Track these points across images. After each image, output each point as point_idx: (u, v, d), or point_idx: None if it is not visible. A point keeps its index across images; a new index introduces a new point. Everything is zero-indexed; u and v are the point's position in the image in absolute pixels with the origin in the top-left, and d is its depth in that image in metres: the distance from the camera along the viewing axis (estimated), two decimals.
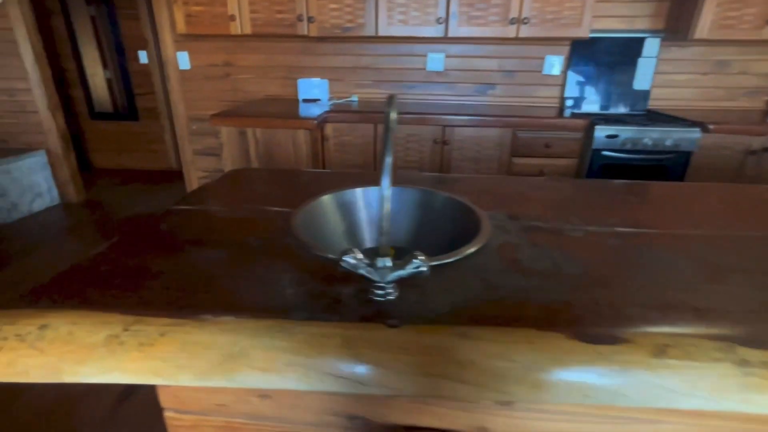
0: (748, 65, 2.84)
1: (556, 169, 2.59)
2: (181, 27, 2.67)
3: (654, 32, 2.78)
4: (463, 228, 0.91)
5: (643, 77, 2.84)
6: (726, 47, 2.79)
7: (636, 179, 2.41)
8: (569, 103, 2.90)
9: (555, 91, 2.96)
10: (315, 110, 2.58)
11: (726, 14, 2.46)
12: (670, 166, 2.48)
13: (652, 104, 2.94)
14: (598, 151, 2.47)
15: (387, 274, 0.57)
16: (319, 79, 2.92)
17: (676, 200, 1.07)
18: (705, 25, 2.48)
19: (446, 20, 2.55)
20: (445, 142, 2.59)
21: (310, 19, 2.60)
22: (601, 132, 2.43)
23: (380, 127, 2.55)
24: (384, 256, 0.57)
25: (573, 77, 2.88)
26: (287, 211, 0.93)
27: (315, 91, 2.91)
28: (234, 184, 1.12)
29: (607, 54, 2.83)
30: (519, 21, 2.53)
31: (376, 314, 0.57)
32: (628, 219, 0.93)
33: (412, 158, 2.63)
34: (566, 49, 2.86)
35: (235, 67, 3.07)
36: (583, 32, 2.53)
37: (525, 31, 2.55)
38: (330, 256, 0.72)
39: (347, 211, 1.07)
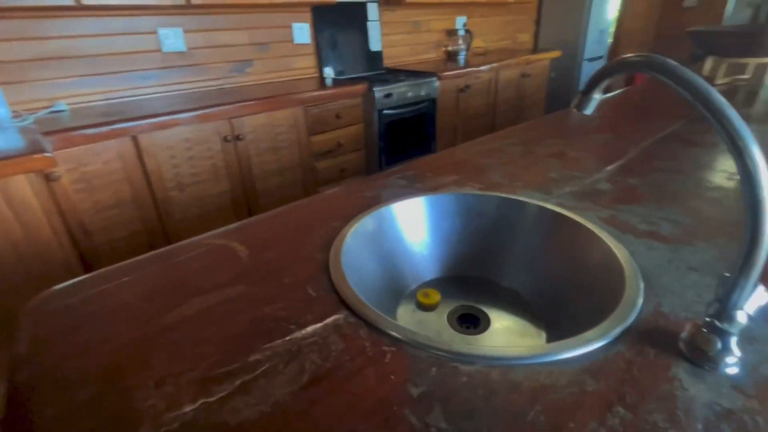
0: (430, 24, 3.29)
1: (349, 137, 2.39)
2: None
3: None
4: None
5: (374, 39, 2.87)
6: (416, 9, 3.12)
7: (411, 128, 2.52)
8: (327, 71, 2.66)
9: (310, 60, 2.65)
10: None
11: None
12: (427, 112, 2.68)
13: (385, 63, 3.05)
14: (380, 111, 2.40)
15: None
16: None
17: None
18: None
19: None
20: (238, 138, 1.94)
21: None
22: (379, 93, 2.34)
23: (144, 138, 1.66)
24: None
25: (322, 44, 2.63)
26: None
27: None
28: None
29: (344, 18, 2.69)
30: None
31: None
32: None
33: (200, 169, 1.86)
34: (309, 15, 2.54)
35: None
36: None
37: None
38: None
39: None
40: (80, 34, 1.83)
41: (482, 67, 2.96)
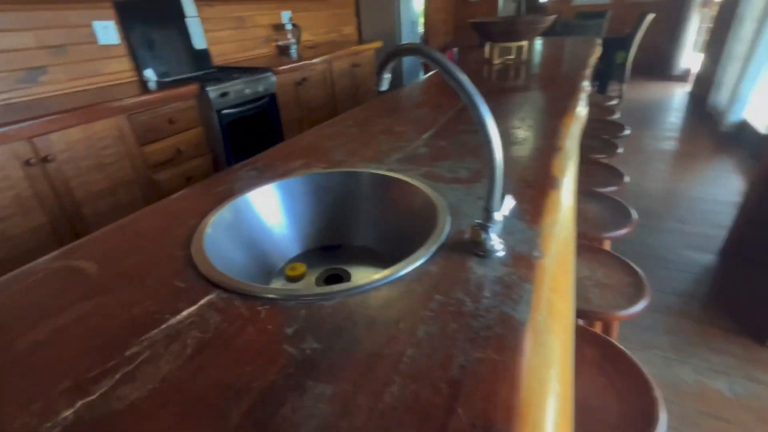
0: (255, 19, 3.23)
1: (189, 142, 2.24)
2: None
3: None
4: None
5: (197, 37, 2.70)
6: (237, 5, 3.03)
7: (255, 126, 2.49)
8: (148, 73, 2.41)
9: (124, 63, 2.35)
10: None
11: None
12: (268, 108, 2.68)
13: (215, 61, 2.90)
14: (219, 111, 2.30)
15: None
16: None
17: None
18: None
19: None
20: (46, 159, 1.65)
21: None
22: (213, 93, 2.25)
23: None
24: None
25: (136, 45, 2.36)
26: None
27: None
28: None
29: (156, 15, 2.46)
30: None
31: None
32: None
33: (3, 200, 1.54)
34: (112, 12, 2.24)
35: None
36: None
37: None
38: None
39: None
40: None
41: (315, 60, 3.05)
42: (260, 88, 2.54)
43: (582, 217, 1.20)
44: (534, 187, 0.73)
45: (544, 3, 7.50)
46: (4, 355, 0.43)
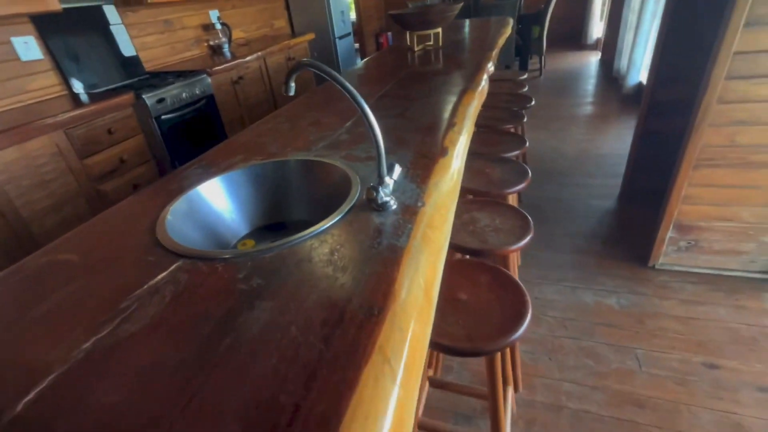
0: (183, 21, 3.21)
1: (131, 150, 2.28)
2: None
3: (106, 0, 2.58)
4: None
5: (124, 44, 2.68)
6: (161, 8, 3.01)
7: (196, 129, 2.55)
8: (77, 85, 2.39)
9: (51, 78, 2.32)
10: None
11: None
12: (207, 109, 2.73)
13: (146, 67, 2.88)
14: (157, 117, 2.35)
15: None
16: None
17: None
18: None
19: None
20: None
21: None
22: (150, 100, 2.29)
23: None
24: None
25: (61, 58, 2.33)
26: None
27: None
28: None
29: (78, 26, 2.42)
30: None
31: None
32: None
33: None
34: (31, 27, 2.20)
35: None
36: (53, 5, 2.04)
37: None
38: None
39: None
40: None
41: (249, 57, 3.11)
42: (197, 91, 2.59)
43: (488, 179, 1.44)
44: (428, 156, 0.94)
45: None
46: (25, 319, 0.57)
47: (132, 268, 0.66)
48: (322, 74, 0.65)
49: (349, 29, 4.98)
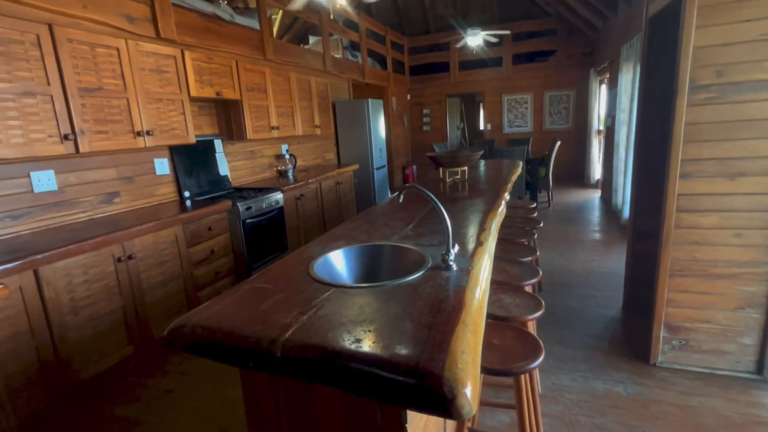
0: (263, 151, 4.18)
1: (220, 244, 2.89)
2: None
3: (215, 135, 3.53)
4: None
5: (222, 166, 3.54)
6: (252, 142, 3.98)
7: (266, 231, 3.19)
8: (186, 194, 3.15)
9: (171, 187, 3.09)
10: None
11: (255, 124, 3.61)
12: (277, 217, 3.43)
13: (233, 183, 3.70)
14: (244, 221, 3.02)
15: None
16: None
17: None
18: (250, 130, 3.53)
19: (75, 137, 2.15)
20: (130, 257, 2.25)
21: None
22: (242, 207, 2.99)
23: (46, 270, 1.85)
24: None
25: (180, 173, 3.14)
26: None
27: None
28: None
29: (197, 152, 3.30)
30: (144, 133, 2.54)
31: None
32: None
33: (94, 291, 2.07)
34: (167, 152, 3.06)
35: None
36: (191, 139, 2.91)
37: (150, 142, 2.60)
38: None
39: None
40: None
41: (310, 180, 3.94)
42: (272, 203, 3.32)
43: (509, 274, 1.93)
44: (471, 243, 1.47)
45: (482, 131, 9.34)
46: (257, 309, 1.06)
47: (306, 290, 1.16)
48: (421, 192, 1.24)
49: (385, 162, 6.05)
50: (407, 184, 1.26)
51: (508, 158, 5.22)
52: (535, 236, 2.52)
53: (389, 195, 6.28)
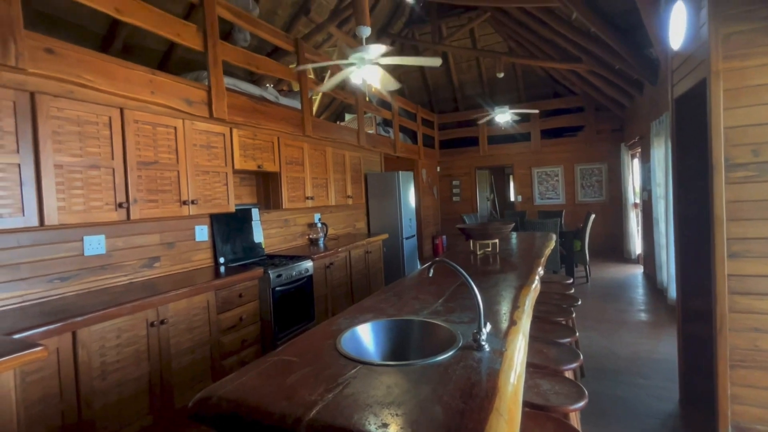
0: (296, 220, 4.35)
1: (248, 312, 2.92)
2: None
3: (253, 204, 3.74)
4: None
5: (257, 234, 3.69)
6: (286, 211, 4.17)
7: (294, 300, 3.20)
8: (221, 260, 3.27)
9: (207, 253, 3.23)
10: None
11: (291, 194, 3.81)
12: (306, 285, 3.46)
13: (266, 250, 3.83)
14: (273, 288, 3.07)
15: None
16: None
17: None
18: (286, 200, 3.72)
19: (128, 205, 2.35)
20: (162, 322, 2.30)
21: None
22: (273, 275, 3.06)
23: (83, 332, 1.91)
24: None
25: (217, 240, 3.30)
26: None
27: None
28: None
29: (234, 220, 3.48)
30: (190, 202, 2.74)
31: None
32: None
33: (124, 355, 2.11)
34: (208, 220, 3.25)
35: None
36: (231, 208, 3.10)
37: (193, 210, 2.79)
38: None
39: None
40: (10, 246, 2.09)
41: (340, 249, 4.01)
42: (302, 271, 3.38)
43: (546, 356, 1.83)
44: (504, 321, 1.43)
45: (513, 202, 9.38)
46: (283, 383, 1.05)
47: (333, 365, 1.14)
48: (451, 266, 1.25)
49: (414, 232, 6.11)
50: (437, 259, 1.28)
51: (541, 230, 5.16)
52: (574, 315, 2.40)
53: (419, 265, 6.25)
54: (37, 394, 1.75)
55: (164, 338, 2.29)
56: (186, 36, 2.79)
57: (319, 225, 4.56)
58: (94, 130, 2.22)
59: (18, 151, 1.90)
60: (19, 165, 1.90)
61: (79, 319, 1.88)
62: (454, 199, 8.93)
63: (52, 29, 3.17)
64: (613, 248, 7.44)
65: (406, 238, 5.77)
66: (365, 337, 1.42)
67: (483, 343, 1.19)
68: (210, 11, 2.95)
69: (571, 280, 3.16)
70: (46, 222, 1.98)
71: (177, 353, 2.36)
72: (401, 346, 1.45)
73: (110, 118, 2.28)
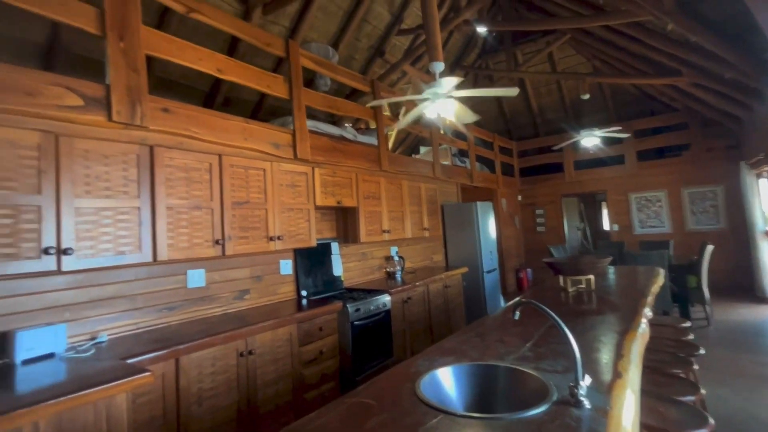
0: (373, 253, 4.42)
1: (328, 345, 2.96)
2: None
3: (333, 239, 3.88)
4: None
5: (336, 267, 3.81)
6: (364, 244, 4.26)
7: (372, 335, 3.18)
8: (304, 293, 3.41)
9: (291, 287, 3.39)
10: (54, 369, 1.79)
11: (368, 228, 3.89)
12: (384, 319, 3.43)
13: (345, 283, 3.92)
14: (352, 323, 3.09)
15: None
16: (53, 325, 2.00)
17: None
18: (363, 234, 3.80)
19: (223, 242, 2.58)
20: (251, 353, 2.43)
21: (65, 252, 1.91)
22: (351, 309, 3.09)
23: (185, 359, 2.08)
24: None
25: (299, 273, 3.45)
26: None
27: (45, 344, 1.96)
28: None
29: (316, 254, 3.64)
30: (276, 238, 2.92)
31: None
32: None
33: (218, 383, 2.25)
34: (292, 254, 3.44)
35: None
36: (313, 243, 3.24)
37: (279, 245, 2.96)
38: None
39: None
40: (129, 279, 2.40)
41: (417, 283, 3.96)
42: (380, 305, 3.38)
43: (663, 417, 1.56)
44: (606, 373, 1.25)
45: (608, 231, 8.55)
46: (361, 429, 1.01)
47: (412, 412, 1.09)
48: (538, 308, 1.14)
49: (495, 265, 5.83)
50: (522, 299, 1.18)
51: (644, 264, 4.59)
52: (696, 366, 2.04)
53: (502, 301, 5.91)
54: (144, 416, 1.93)
55: (252, 368, 2.41)
56: (274, 87, 3.09)
57: (396, 258, 4.58)
58: (198, 175, 2.51)
59: (139, 196, 2.21)
60: (139, 208, 2.20)
61: (181, 347, 2.06)
62: (539, 229, 8.42)
63: (168, 91, 3.74)
64: (740, 285, 6.33)
65: (487, 272, 5.52)
66: (446, 381, 1.34)
67: (582, 398, 1.05)
68: (295, 63, 3.25)
69: (687, 324, 2.72)
70: (158, 258, 2.25)
71: (263, 384, 2.46)
72: (485, 394, 1.34)
73: (210, 164, 2.58)
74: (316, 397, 2.80)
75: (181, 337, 2.17)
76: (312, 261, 3.59)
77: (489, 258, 5.66)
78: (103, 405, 1.55)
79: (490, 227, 5.85)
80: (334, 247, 3.85)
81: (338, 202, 3.55)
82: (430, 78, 2.67)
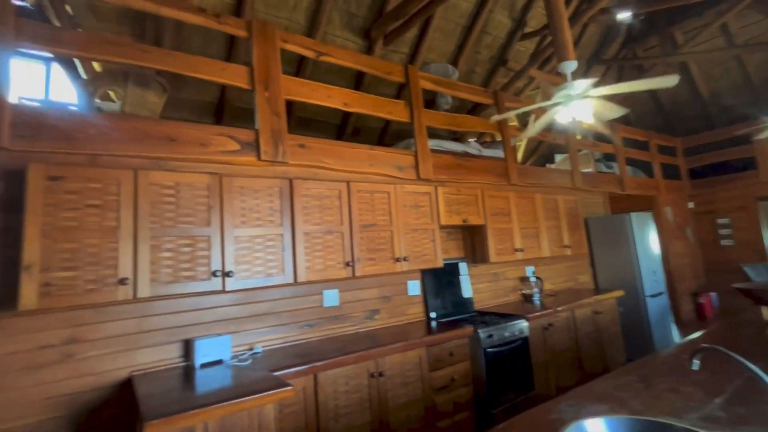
0: (506, 273, 4.12)
1: (460, 372, 2.81)
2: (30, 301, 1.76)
3: (461, 259, 3.74)
4: None
5: (465, 288, 3.65)
6: (495, 264, 4.01)
7: (508, 364, 2.90)
8: (433, 314, 3.34)
9: (419, 308, 3.37)
10: (222, 375, 2.02)
11: (498, 246, 3.63)
12: (521, 348, 3.12)
13: (476, 306, 3.73)
14: (485, 349, 2.88)
15: None
16: (221, 336, 2.34)
17: None
18: (493, 253, 3.57)
19: (353, 263, 2.70)
20: (381, 374, 2.45)
21: (228, 274, 2.23)
22: (483, 334, 2.89)
23: (322, 375, 2.20)
24: None
25: (427, 294, 3.41)
26: None
27: (216, 351, 2.30)
28: None
29: (444, 274, 3.55)
30: (402, 259, 2.94)
31: None
32: None
33: (351, 401, 2.31)
34: (419, 275, 3.42)
35: (83, 342, 2.11)
36: (439, 263, 3.17)
37: (405, 266, 2.97)
38: None
39: None
40: (276, 298, 2.68)
41: (560, 308, 3.53)
42: (516, 332, 3.10)
43: None
44: None
45: None
46: None
47: None
48: (731, 357, 0.85)
49: (662, 288, 4.86)
50: (704, 345, 0.90)
51: None
52: None
53: (674, 332, 4.87)
54: (290, 426, 2.09)
55: (383, 390, 2.43)
56: (395, 112, 3.20)
57: (533, 279, 4.18)
58: (329, 202, 2.71)
59: (282, 224, 2.48)
60: (282, 235, 2.47)
61: (319, 363, 2.21)
62: (723, 242, 6.77)
63: (307, 128, 4.21)
64: None
65: (651, 296, 4.62)
66: None
67: None
68: (414, 86, 3.31)
69: None
70: (298, 279, 2.47)
71: (394, 407, 2.46)
72: None
73: (339, 191, 2.76)
74: (450, 426, 2.67)
75: (320, 353, 2.32)
76: (440, 282, 3.52)
77: (652, 279, 4.74)
78: (255, 413, 1.73)
79: (651, 242, 4.93)
80: (462, 267, 3.71)
81: (464, 221, 3.43)
82: (561, 80, 2.41)
